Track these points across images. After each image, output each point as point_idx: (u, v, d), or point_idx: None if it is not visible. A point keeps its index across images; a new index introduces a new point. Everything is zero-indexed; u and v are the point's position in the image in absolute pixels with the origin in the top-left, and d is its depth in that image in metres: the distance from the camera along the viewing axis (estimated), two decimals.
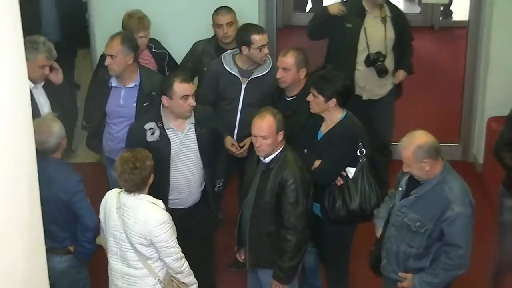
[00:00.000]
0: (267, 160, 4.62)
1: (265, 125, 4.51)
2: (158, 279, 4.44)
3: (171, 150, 4.90)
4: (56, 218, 4.45)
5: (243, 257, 4.96)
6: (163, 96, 4.87)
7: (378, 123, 6.39)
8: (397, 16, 6.40)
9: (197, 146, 4.96)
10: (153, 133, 4.90)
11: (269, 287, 4.81)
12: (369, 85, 6.34)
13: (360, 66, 6.28)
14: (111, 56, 5.34)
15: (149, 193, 4.42)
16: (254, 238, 4.71)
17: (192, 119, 4.95)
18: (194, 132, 4.96)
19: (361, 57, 6.27)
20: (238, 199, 5.55)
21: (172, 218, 4.50)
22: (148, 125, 4.92)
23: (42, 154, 4.09)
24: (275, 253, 4.67)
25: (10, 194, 2.55)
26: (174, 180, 4.98)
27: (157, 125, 4.91)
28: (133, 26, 5.82)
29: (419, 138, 4.28)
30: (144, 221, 4.29)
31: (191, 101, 4.84)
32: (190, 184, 5.02)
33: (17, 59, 2.57)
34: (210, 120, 5.11)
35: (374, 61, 6.23)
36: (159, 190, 4.77)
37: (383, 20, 6.27)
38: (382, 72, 6.25)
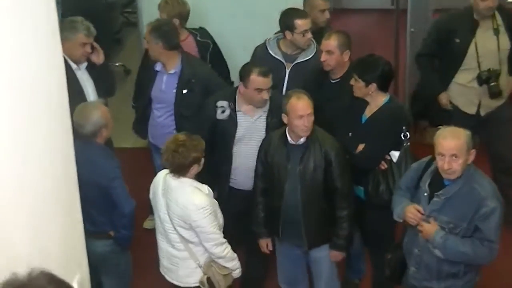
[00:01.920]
0: (302, 141, 4.62)
1: (308, 103, 4.54)
2: (198, 264, 4.50)
3: (236, 133, 4.98)
4: (95, 202, 4.51)
5: (270, 248, 4.99)
6: (240, 82, 4.96)
7: (498, 140, 6.01)
8: (511, 23, 5.86)
9: (265, 134, 4.97)
10: (223, 111, 5.01)
11: (324, 262, 4.86)
12: (485, 100, 5.89)
13: (473, 83, 5.83)
14: (147, 42, 5.52)
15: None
16: (310, 220, 4.71)
17: (266, 107, 4.99)
18: (265, 120, 5.00)
19: (470, 76, 5.82)
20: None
21: (232, 197, 4.71)
22: (220, 103, 5.03)
23: (80, 138, 4.16)
24: (330, 227, 4.74)
25: (47, 173, 2.59)
26: (235, 161, 5.06)
27: (229, 105, 5.00)
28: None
29: (460, 128, 4.17)
30: (183, 205, 4.35)
31: (265, 95, 4.89)
32: (248, 169, 5.02)
33: (51, 39, 2.61)
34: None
35: (487, 79, 5.76)
36: (223, 165, 4.99)
37: (496, 31, 5.77)
38: (495, 94, 5.80)
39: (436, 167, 4.24)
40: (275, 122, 4.93)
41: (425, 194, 4.30)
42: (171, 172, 4.40)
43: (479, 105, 5.91)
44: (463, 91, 5.91)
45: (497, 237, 4.19)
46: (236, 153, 5.05)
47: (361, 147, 4.84)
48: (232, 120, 5.00)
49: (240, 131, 5.01)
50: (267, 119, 5.00)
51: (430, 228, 4.23)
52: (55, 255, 2.49)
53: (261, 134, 4.96)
